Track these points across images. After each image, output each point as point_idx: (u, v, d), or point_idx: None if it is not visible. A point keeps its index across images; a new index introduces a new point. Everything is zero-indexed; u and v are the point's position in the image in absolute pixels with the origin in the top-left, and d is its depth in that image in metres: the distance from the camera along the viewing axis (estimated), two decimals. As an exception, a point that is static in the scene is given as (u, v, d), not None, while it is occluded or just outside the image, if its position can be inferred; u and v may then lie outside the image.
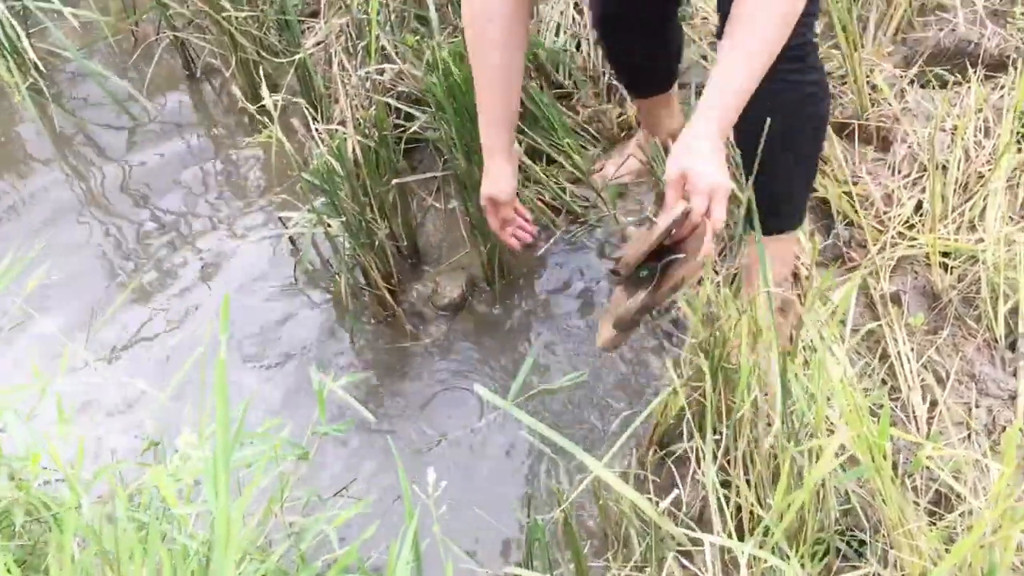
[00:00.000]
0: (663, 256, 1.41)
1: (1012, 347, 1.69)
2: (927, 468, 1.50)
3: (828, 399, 1.37)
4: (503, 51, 1.63)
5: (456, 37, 2.26)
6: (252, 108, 2.15)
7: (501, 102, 1.67)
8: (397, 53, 2.18)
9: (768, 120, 1.36)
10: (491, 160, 1.73)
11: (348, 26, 2.23)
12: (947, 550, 1.36)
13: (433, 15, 2.22)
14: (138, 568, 0.93)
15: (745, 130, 1.48)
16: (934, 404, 1.63)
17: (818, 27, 2.05)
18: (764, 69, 1.34)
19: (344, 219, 1.94)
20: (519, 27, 1.62)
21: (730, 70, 1.34)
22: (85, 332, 2.07)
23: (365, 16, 2.18)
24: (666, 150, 1.99)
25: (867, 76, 2.12)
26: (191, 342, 2.05)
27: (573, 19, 2.39)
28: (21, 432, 1.19)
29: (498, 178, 1.74)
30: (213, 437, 1.16)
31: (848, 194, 1.94)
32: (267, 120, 1.98)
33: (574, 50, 2.34)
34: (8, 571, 1.01)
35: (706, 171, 1.31)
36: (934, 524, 1.43)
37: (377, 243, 1.99)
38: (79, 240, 2.32)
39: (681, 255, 1.40)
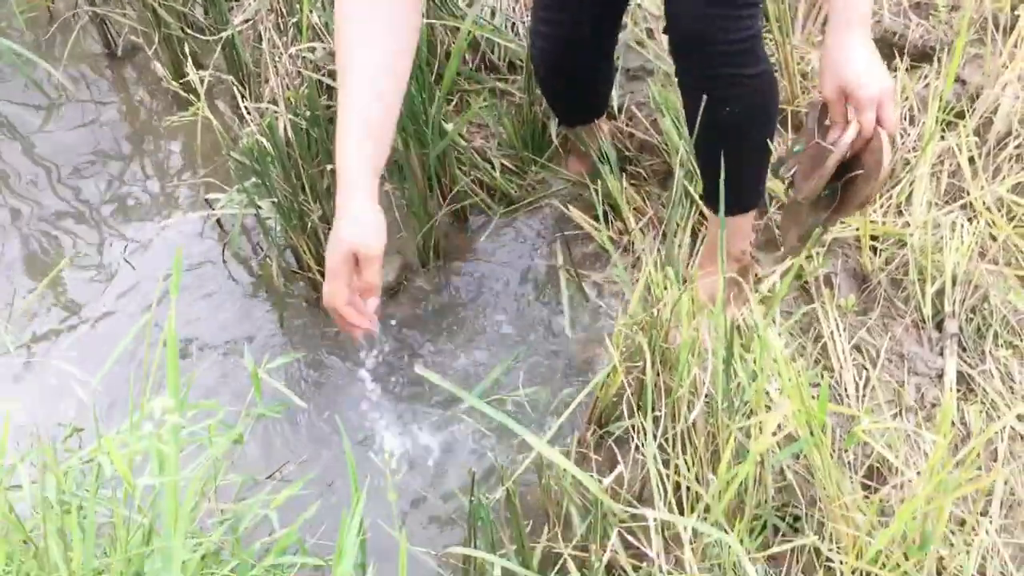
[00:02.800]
0: (840, 173, 1.41)
1: (939, 327, 1.74)
2: (860, 443, 1.53)
3: (769, 376, 1.38)
4: (385, 49, 1.30)
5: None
6: (176, 85, 2.08)
7: (376, 115, 1.30)
8: (328, 31, 2.13)
9: (727, 110, 1.49)
10: (353, 197, 1.30)
11: (278, 2, 2.17)
12: (881, 522, 1.39)
13: (366, -6, 2.18)
14: (78, 547, 0.88)
15: (704, 117, 1.51)
16: (866, 383, 1.67)
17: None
18: None
19: (275, 200, 1.89)
20: (406, 56, 1.34)
21: None
22: (4, 316, 1.98)
23: (296, -8, 2.13)
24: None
25: (797, 64, 2.16)
26: (114, 326, 1.98)
27: (507, 3, 2.37)
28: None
29: (366, 222, 1.30)
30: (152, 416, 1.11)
31: (780, 179, 1.96)
32: (193, 99, 1.93)
33: (510, 32, 2.32)
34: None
35: (868, 81, 1.33)
36: (867, 497, 1.45)
37: (309, 225, 1.94)
38: (-10, 223, 2.22)
39: (860, 171, 1.40)
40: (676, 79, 1.64)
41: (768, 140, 1.66)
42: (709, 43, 1.48)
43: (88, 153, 2.38)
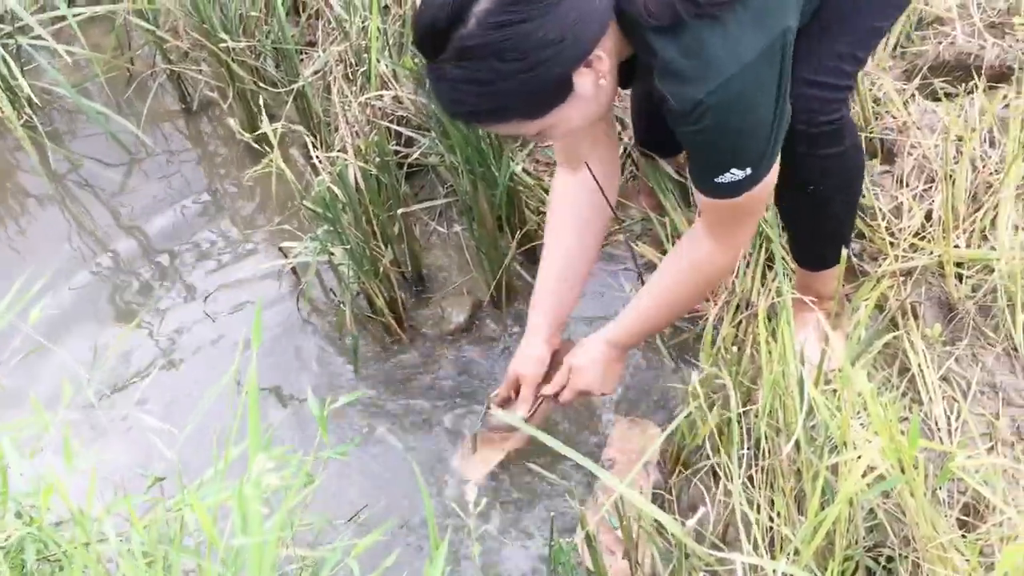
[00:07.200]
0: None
1: (1032, 355, 1.67)
2: (954, 480, 1.47)
3: (854, 411, 1.34)
4: (572, 237, 1.66)
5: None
6: (249, 137, 2.13)
7: (553, 285, 1.66)
8: (396, 79, 2.17)
9: (811, 188, 1.53)
10: (527, 336, 1.68)
11: (347, 53, 2.21)
12: (981, 563, 1.33)
13: (432, 40, 2.21)
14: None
15: (787, 198, 1.57)
16: (957, 416, 1.60)
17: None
18: (680, 314, 1.69)
19: (348, 247, 1.91)
20: (593, 229, 1.68)
21: (657, 310, 1.58)
22: (87, 368, 2.03)
23: (363, 42, 2.17)
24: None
25: (869, 90, 2.11)
26: (194, 376, 2.02)
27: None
28: (26, 468, 1.15)
29: (526, 355, 1.66)
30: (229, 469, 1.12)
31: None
32: (266, 149, 1.97)
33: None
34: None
35: (587, 377, 1.59)
36: (964, 536, 1.39)
37: (381, 270, 1.96)
38: (76, 277, 2.29)
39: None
40: None
41: (853, 206, 1.66)
42: (797, 123, 1.43)
43: (166, 205, 2.45)
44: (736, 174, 1.34)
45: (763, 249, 1.83)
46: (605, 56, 1.26)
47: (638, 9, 1.22)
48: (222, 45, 2.33)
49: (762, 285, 1.79)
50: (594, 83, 1.26)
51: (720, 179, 1.35)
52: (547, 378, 1.65)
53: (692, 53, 1.24)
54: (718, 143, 1.33)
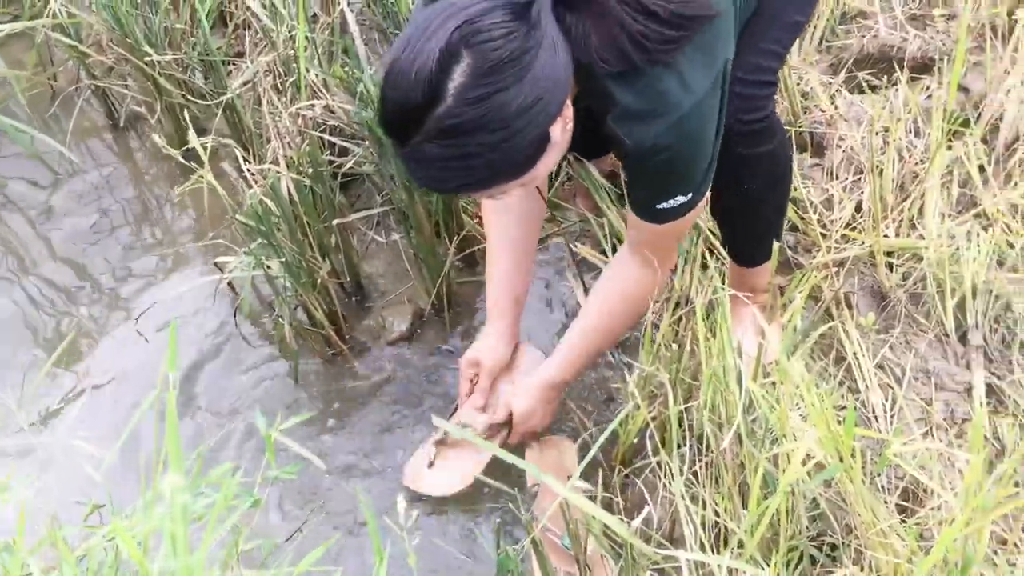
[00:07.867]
0: None
1: (963, 340, 1.71)
2: (892, 466, 1.49)
3: (793, 403, 1.35)
4: (512, 227, 1.69)
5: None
6: (177, 152, 2.09)
7: (504, 273, 1.70)
8: (326, 88, 2.14)
9: (745, 185, 1.57)
10: (489, 324, 1.73)
11: (275, 63, 2.18)
12: (921, 547, 1.35)
13: (360, 48, 2.19)
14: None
15: (722, 198, 1.60)
16: (893, 403, 1.63)
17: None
18: (616, 341, 1.73)
19: (283, 259, 1.89)
20: (528, 215, 1.70)
21: (591, 340, 1.61)
22: (16, 395, 1.97)
23: (292, 52, 2.14)
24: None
25: (797, 85, 2.15)
26: (128, 398, 1.97)
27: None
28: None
29: (486, 344, 1.71)
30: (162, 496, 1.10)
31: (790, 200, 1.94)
32: (196, 165, 1.93)
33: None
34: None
35: (532, 421, 1.64)
36: (904, 521, 1.42)
37: (319, 282, 1.94)
38: (1, 300, 2.22)
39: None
40: None
41: (784, 201, 1.69)
42: (731, 123, 1.45)
43: (96, 225, 2.39)
44: (679, 199, 1.38)
45: (699, 247, 1.84)
46: (569, 102, 1.27)
47: (592, 58, 1.23)
48: (147, 59, 2.29)
49: (699, 282, 1.81)
50: (563, 129, 1.26)
51: (663, 205, 1.39)
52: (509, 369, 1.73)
53: (649, 96, 1.27)
54: (669, 174, 1.36)
